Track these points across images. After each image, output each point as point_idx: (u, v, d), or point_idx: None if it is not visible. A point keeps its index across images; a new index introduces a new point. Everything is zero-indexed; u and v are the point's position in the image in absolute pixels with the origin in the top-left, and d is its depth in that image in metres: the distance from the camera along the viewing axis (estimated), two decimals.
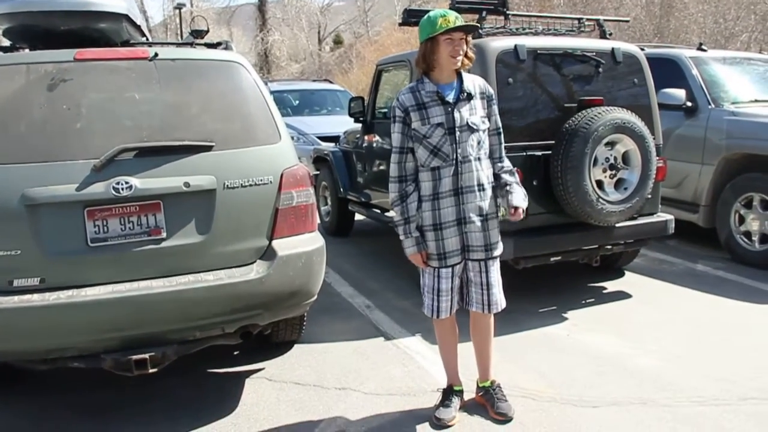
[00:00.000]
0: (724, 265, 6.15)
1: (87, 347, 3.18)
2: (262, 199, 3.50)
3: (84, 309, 3.04)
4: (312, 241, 3.64)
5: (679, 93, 6.45)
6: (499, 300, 3.36)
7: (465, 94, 3.21)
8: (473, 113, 3.21)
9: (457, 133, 3.16)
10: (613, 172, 4.88)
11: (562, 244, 4.92)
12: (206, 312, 3.27)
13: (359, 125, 6.88)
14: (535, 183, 4.75)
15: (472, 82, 3.27)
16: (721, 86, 6.73)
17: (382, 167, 6.40)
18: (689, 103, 6.53)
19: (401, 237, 3.27)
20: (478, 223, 3.22)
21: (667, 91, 6.29)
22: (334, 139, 8.57)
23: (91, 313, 3.04)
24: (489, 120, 3.29)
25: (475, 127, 3.20)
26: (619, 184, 4.92)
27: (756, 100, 6.64)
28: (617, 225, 4.97)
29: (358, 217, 7.72)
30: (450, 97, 3.19)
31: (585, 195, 4.68)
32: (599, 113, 4.72)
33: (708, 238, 6.68)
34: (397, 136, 3.24)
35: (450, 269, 3.26)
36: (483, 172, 3.25)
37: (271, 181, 3.51)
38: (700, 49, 7.20)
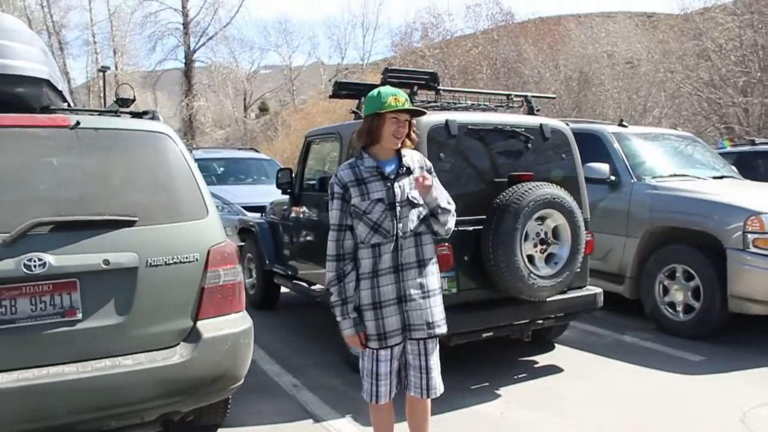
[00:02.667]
0: (651, 336, 6.22)
1: None
2: (187, 278, 3.34)
3: None
4: (239, 322, 3.48)
5: (604, 167, 6.63)
6: (438, 384, 3.25)
7: (404, 168, 3.16)
8: (413, 187, 3.14)
9: (398, 208, 3.10)
10: (544, 246, 4.88)
11: (495, 320, 4.86)
12: (124, 400, 3.05)
13: (286, 196, 6.74)
14: (466, 258, 4.72)
15: (411, 157, 3.22)
16: (642, 161, 6.96)
17: (309, 239, 6.29)
18: (612, 177, 6.71)
19: (338, 318, 3.14)
20: (419, 301, 3.12)
21: (591, 165, 6.44)
22: (259, 209, 8.33)
23: None
24: None
25: (415, 201, 3.14)
26: (549, 259, 4.92)
27: (675, 175, 6.87)
28: (548, 299, 4.96)
29: (283, 289, 7.50)
30: (390, 172, 3.13)
31: (516, 270, 4.65)
32: (530, 188, 4.74)
33: (634, 309, 6.76)
34: (335, 213, 3.15)
35: (389, 351, 3.15)
36: (424, 247, 3.17)
37: (197, 259, 3.37)
38: (620, 125, 7.47)
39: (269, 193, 8.31)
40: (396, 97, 3.07)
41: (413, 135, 3.19)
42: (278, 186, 6.65)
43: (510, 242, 4.63)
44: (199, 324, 3.31)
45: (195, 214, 3.47)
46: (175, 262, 3.30)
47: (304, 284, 6.48)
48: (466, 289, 4.69)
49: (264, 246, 7.16)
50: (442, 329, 3.21)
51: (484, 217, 4.74)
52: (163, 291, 3.25)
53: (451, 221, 3.23)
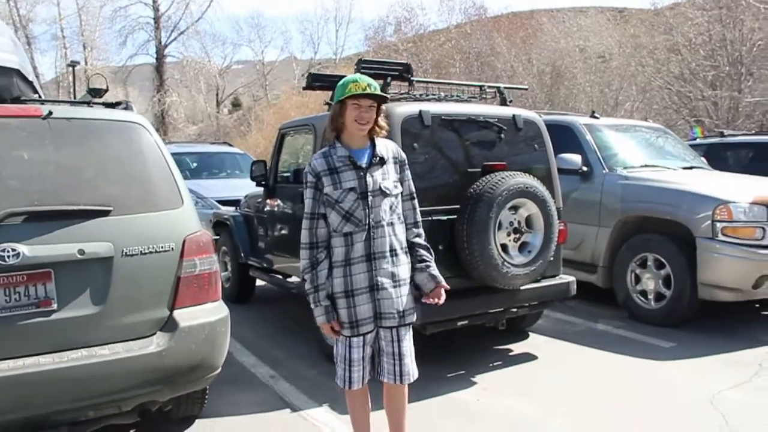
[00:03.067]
0: (624, 324, 6.32)
1: None
2: (163, 267, 3.34)
3: None
4: (216, 311, 3.49)
5: (576, 158, 6.71)
6: (412, 371, 3.28)
7: (377, 158, 3.17)
8: (386, 177, 3.17)
9: (370, 198, 3.11)
10: (517, 235, 4.94)
11: (469, 309, 4.90)
12: (101, 390, 3.04)
13: (260, 189, 6.76)
14: (440, 248, 4.72)
15: (385, 147, 3.24)
16: (613, 152, 7.06)
17: (284, 232, 6.29)
18: (585, 168, 6.79)
19: (312, 305, 3.16)
20: (390, 290, 3.14)
21: (564, 156, 6.52)
22: (234, 202, 8.37)
23: None
24: (402, 185, 3.26)
25: (387, 191, 3.15)
26: (523, 248, 4.97)
27: (646, 165, 6.97)
28: (522, 288, 5.02)
29: (259, 282, 7.52)
30: (362, 162, 3.14)
31: (490, 259, 4.70)
32: (503, 178, 4.79)
33: (606, 298, 6.86)
34: (308, 202, 3.16)
35: (362, 338, 3.17)
36: (396, 237, 3.19)
37: (172, 248, 3.37)
38: (592, 116, 7.56)
39: (243, 187, 8.36)
40: (357, 83, 3.07)
41: (381, 122, 3.18)
42: (252, 178, 6.66)
43: (484, 231, 4.68)
44: (176, 313, 3.32)
45: (170, 204, 3.47)
46: (151, 252, 3.30)
47: (280, 276, 6.51)
48: (445, 277, 4.69)
49: (239, 239, 7.17)
50: (413, 318, 3.24)
51: (458, 206, 4.78)
52: (139, 280, 3.24)
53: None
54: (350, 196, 3.10)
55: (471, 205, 4.73)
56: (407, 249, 3.27)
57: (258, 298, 7.81)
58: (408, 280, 3.24)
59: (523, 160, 5.26)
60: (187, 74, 42.90)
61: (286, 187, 6.25)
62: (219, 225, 7.75)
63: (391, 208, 3.17)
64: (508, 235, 4.90)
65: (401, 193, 3.26)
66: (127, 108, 3.97)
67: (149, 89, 42.23)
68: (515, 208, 4.90)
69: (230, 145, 14.52)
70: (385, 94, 3.22)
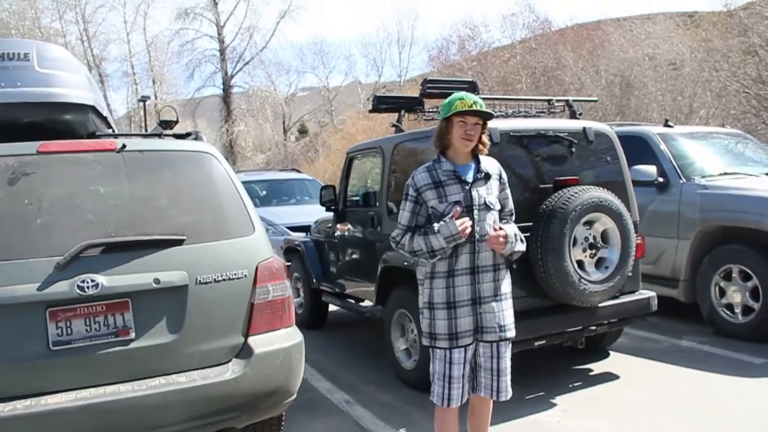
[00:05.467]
0: (709, 339, 6.05)
1: None
2: (237, 294, 3.36)
3: (43, 420, 2.81)
4: (290, 337, 3.48)
5: (651, 169, 6.50)
6: (509, 388, 3.31)
7: (482, 174, 3.24)
8: (489, 193, 3.24)
9: (476, 211, 3.17)
10: (593, 251, 4.80)
11: (546, 328, 4.78)
12: (179, 417, 3.07)
13: (330, 214, 6.76)
14: (514, 266, 4.58)
15: (489, 164, 3.30)
16: (690, 160, 6.81)
17: (355, 256, 6.29)
18: (660, 179, 6.57)
19: (434, 243, 3.11)
20: (493, 304, 3.19)
21: (638, 167, 6.31)
22: (304, 228, 8.38)
23: (51, 424, 2.81)
24: (502, 202, 3.33)
25: (491, 206, 3.22)
26: (599, 264, 4.83)
27: (725, 173, 6.70)
28: (600, 305, 4.87)
29: (332, 308, 7.49)
30: (467, 177, 3.21)
31: (566, 276, 4.58)
32: (576, 193, 4.68)
33: (690, 313, 6.59)
34: (405, 214, 3.26)
35: (462, 353, 3.18)
36: (497, 252, 3.23)
37: (245, 275, 3.38)
38: (666, 125, 7.33)
39: (313, 213, 8.39)
40: (463, 100, 3.13)
41: (485, 139, 3.25)
42: (322, 203, 6.68)
43: (559, 248, 4.57)
44: (250, 340, 3.32)
45: (242, 231, 3.49)
46: (224, 279, 3.32)
47: (352, 301, 6.50)
48: (517, 297, 4.52)
49: (310, 264, 7.18)
50: (513, 333, 3.27)
51: (531, 223, 4.67)
52: (214, 308, 3.27)
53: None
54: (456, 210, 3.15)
55: (544, 221, 4.63)
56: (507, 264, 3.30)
57: (331, 323, 7.78)
58: (509, 295, 3.29)
59: (596, 174, 5.13)
60: (254, 103, 43.85)
61: (356, 211, 6.24)
62: (290, 251, 7.78)
63: (494, 222, 3.24)
64: (584, 251, 4.76)
65: (502, 210, 3.32)
66: (197, 138, 4.05)
67: (217, 120, 43.41)
68: (590, 223, 4.76)
69: (298, 171, 14.67)
70: (490, 111, 3.23)
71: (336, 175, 6.60)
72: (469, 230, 3.10)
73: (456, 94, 3.20)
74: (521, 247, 3.30)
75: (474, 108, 3.11)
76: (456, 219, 3.09)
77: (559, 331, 4.88)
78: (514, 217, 3.41)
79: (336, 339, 7.17)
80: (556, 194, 4.73)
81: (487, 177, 3.24)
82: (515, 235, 3.25)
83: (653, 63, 20.23)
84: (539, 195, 4.81)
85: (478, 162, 3.25)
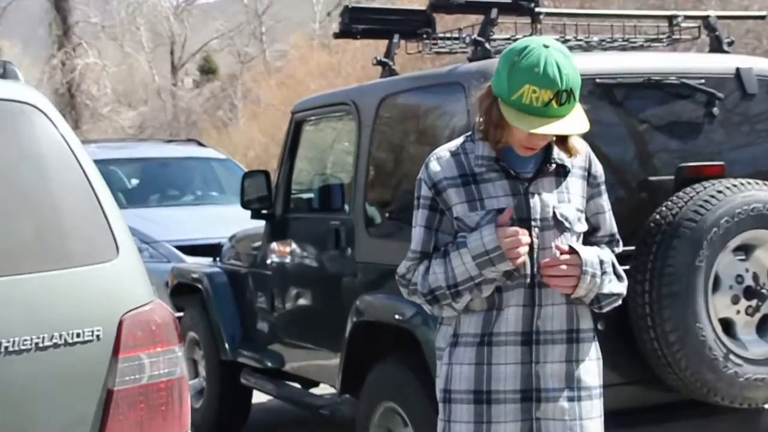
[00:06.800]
0: None
1: None
2: (80, 373, 2.32)
3: None
4: None
5: None
6: None
7: (552, 165, 2.18)
8: (563, 199, 2.20)
9: (535, 231, 2.16)
10: (753, 301, 3.30)
11: None
12: None
13: (260, 224, 4.84)
14: (600, 327, 3.05)
15: (570, 147, 2.25)
16: None
17: (303, 302, 4.51)
18: None
19: (457, 268, 2.09)
20: (564, 403, 2.16)
21: None
22: (209, 249, 6.06)
23: None
24: (592, 218, 2.28)
25: (567, 223, 2.17)
26: (764, 325, 3.36)
27: None
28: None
29: (259, 398, 5.25)
30: (524, 169, 2.19)
31: (700, 347, 3.16)
32: (719, 192, 3.23)
33: None
34: (418, 232, 2.25)
35: None
36: (578, 306, 2.19)
37: (98, 337, 2.35)
38: None
39: (226, 221, 6.15)
40: (538, 89, 1.97)
41: (574, 143, 2.21)
42: (245, 204, 4.77)
43: (686, 295, 3.18)
44: None
45: (93, 255, 2.41)
46: (55, 345, 2.29)
47: (296, 386, 4.73)
48: (608, 384, 3.04)
49: (220, 317, 5.12)
50: None
51: (633, 248, 3.20)
52: (30, 400, 2.22)
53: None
54: None
55: (658, 244, 3.23)
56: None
57: (257, 427, 5.59)
58: (597, 390, 2.25)
59: (757, 156, 3.67)
60: (115, 16, 29.83)
61: (307, 219, 4.52)
62: (183, 291, 5.60)
63: None
64: (736, 301, 3.27)
65: (591, 232, 2.29)
66: (5, 72, 2.84)
67: (45, 44, 29.20)
68: (746, 250, 3.29)
69: (200, 143, 10.72)
70: (584, 126, 2.09)
71: (269, 153, 4.82)
72: (523, 251, 2.06)
73: (528, 58, 2.01)
74: (618, 287, 2.24)
75: (563, 108, 1.97)
76: (503, 227, 2.11)
77: None
78: (619, 247, 2.34)
79: None
80: (680, 194, 3.29)
81: (563, 171, 2.18)
82: (601, 263, 2.16)
83: None
84: (649, 194, 3.42)
85: (547, 146, 2.20)
